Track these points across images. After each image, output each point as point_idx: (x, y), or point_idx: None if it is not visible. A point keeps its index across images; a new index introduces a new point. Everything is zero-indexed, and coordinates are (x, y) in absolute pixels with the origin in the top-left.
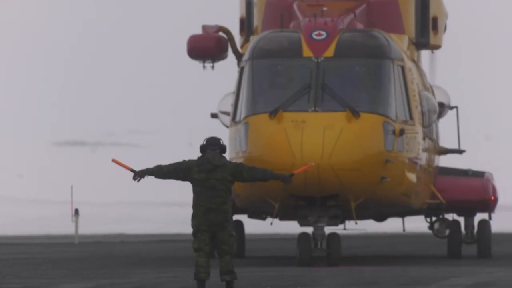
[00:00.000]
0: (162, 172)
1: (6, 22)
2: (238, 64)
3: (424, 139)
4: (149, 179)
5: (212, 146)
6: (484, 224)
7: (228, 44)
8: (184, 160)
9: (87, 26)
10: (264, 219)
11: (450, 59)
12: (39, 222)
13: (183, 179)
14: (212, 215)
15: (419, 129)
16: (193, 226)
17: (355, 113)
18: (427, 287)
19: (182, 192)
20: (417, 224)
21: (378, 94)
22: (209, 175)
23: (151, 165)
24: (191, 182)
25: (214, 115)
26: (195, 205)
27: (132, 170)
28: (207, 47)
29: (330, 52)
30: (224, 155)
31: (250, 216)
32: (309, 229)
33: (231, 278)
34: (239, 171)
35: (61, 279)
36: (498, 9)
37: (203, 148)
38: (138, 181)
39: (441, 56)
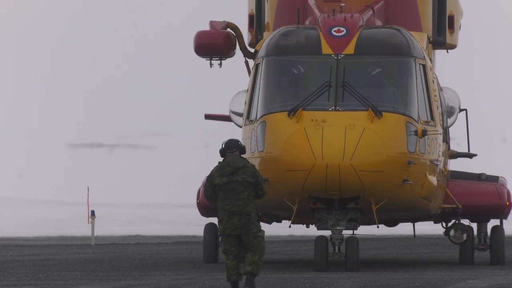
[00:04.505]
0: (213, 198)
1: (16, 21)
2: (246, 62)
3: (443, 141)
4: (166, 181)
5: (231, 148)
6: (497, 230)
7: (236, 41)
8: (209, 174)
9: (99, 29)
10: (270, 222)
11: (461, 59)
12: (55, 224)
13: None
14: (235, 218)
15: (440, 130)
16: (219, 230)
17: (378, 113)
18: None
19: None
20: (426, 227)
21: (400, 93)
22: (231, 178)
23: (166, 166)
24: (214, 189)
25: (208, 117)
26: (220, 210)
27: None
28: (215, 43)
29: (350, 49)
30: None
31: (260, 220)
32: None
33: (252, 269)
34: (258, 182)
35: (77, 281)
36: None
37: (222, 152)
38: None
39: (453, 57)
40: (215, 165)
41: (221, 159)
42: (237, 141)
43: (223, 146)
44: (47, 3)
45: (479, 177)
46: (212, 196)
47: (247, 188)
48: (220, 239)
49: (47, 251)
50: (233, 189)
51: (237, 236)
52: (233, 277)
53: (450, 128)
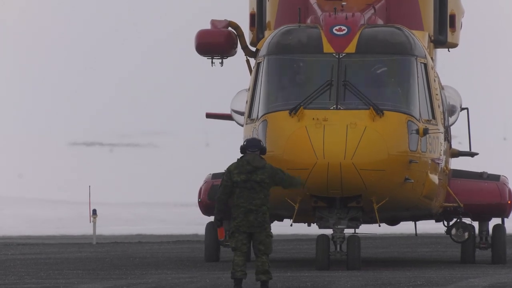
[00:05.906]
0: (224, 201)
1: (16, 22)
2: (247, 60)
3: (444, 139)
4: (164, 181)
5: (252, 148)
6: (499, 229)
7: (237, 40)
8: (226, 170)
9: (99, 29)
10: (272, 221)
11: (463, 58)
12: (56, 223)
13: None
14: (252, 216)
15: (441, 128)
16: (232, 227)
17: (379, 112)
18: None
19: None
20: (428, 226)
21: (401, 92)
22: (249, 176)
23: (167, 165)
24: (232, 185)
25: (209, 115)
26: (235, 206)
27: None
28: (216, 42)
29: (351, 48)
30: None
31: None
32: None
33: (267, 278)
34: (280, 178)
35: (79, 279)
36: None
37: (243, 150)
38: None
39: (454, 55)
40: (233, 162)
41: (233, 157)
42: (259, 141)
43: (245, 143)
44: (49, 4)
45: (480, 175)
46: (227, 198)
47: (264, 188)
48: (228, 235)
49: (48, 250)
50: (251, 187)
51: (249, 234)
52: (238, 273)
53: (451, 127)
